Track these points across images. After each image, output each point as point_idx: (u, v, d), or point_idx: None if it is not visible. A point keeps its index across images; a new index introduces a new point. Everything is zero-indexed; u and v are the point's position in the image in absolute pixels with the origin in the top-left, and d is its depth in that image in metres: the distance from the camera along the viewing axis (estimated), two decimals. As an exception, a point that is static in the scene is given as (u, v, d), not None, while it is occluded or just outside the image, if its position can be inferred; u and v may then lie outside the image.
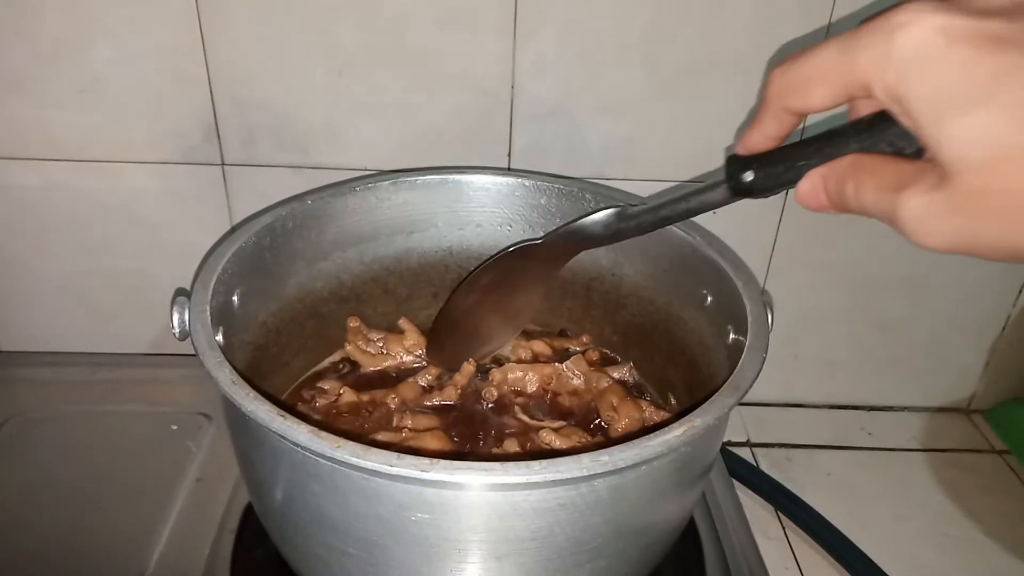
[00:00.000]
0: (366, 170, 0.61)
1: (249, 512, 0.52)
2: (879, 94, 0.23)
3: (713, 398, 0.36)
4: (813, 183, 0.28)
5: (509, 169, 0.62)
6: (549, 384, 0.53)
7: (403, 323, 0.57)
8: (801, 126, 0.32)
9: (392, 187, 0.54)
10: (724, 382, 0.37)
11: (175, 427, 0.61)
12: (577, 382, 0.54)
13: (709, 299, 0.49)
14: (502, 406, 0.52)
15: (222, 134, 0.60)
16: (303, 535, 0.39)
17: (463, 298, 0.51)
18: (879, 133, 0.26)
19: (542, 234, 0.42)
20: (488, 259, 0.48)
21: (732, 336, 0.45)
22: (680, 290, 0.52)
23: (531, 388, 0.53)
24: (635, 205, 0.38)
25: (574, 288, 0.58)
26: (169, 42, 0.56)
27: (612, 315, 0.57)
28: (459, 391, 0.52)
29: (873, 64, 0.23)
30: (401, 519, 0.34)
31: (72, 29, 0.56)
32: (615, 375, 0.55)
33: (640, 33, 0.57)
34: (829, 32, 0.57)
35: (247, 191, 0.62)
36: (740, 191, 0.31)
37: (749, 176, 0.30)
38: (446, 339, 0.53)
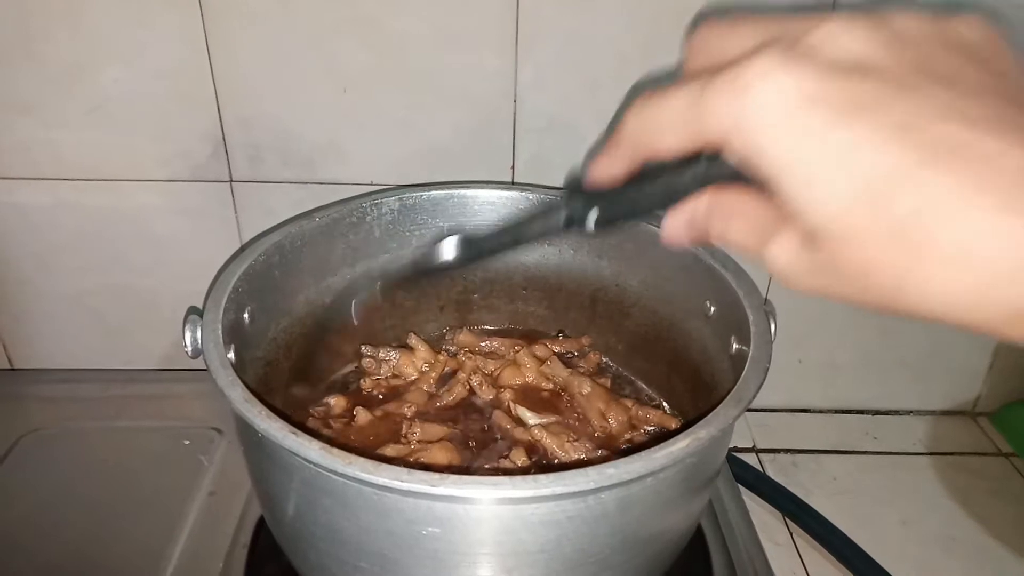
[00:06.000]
0: (372, 185, 0.62)
1: (262, 526, 0.53)
2: (733, 154, 0.22)
3: (717, 409, 0.36)
4: (675, 225, 0.27)
5: (513, 183, 0.62)
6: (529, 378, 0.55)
7: (413, 340, 0.58)
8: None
9: (398, 203, 0.54)
10: (727, 391, 0.38)
11: (187, 442, 0.61)
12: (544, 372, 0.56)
13: (712, 309, 0.49)
14: (495, 404, 0.54)
15: (230, 152, 0.61)
16: (315, 549, 0.40)
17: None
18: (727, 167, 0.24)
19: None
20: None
21: (735, 346, 0.45)
22: (683, 300, 0.52)
23: (517, 381, 0.55)
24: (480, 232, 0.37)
25: (579, 298, 0.59)
26: (176, 63, 0.57)
27: (617, 325, 0.58)
28: (465, 387, 0.54)
29: (725, 124, 0.21)
30: (412, 533, 0.35)
31: (81, 52, 0.57)
32: (588, 368, 0.57)
33: (639, 46, 0.57)
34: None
35: (255, 207, 0.63)
36: (581, 231, 0.30)
37: (591, 222, 0.29)
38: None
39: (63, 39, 0.56)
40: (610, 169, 0.28)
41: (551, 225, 0.32)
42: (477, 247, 0.37)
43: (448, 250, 0.37)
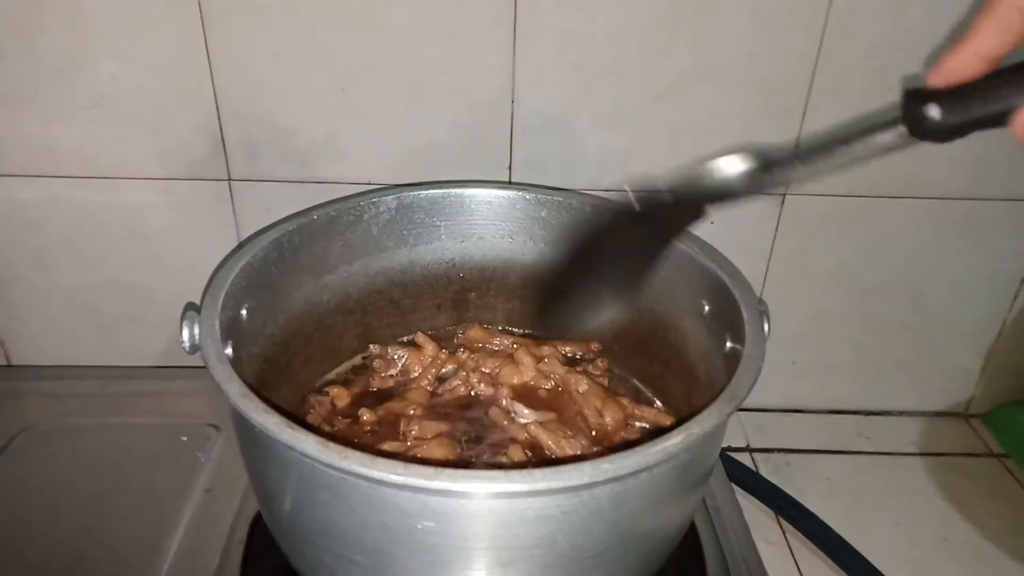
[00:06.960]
0: (369, 183, 0.62)
1: (258, 522, 0.53)
2: None
3: (711, 406, 0.36)
4: None
5: (510, 182, 0.63)
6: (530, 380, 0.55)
7: (421, 338, 0.58)
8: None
9: (395, 201, 0.55)
10: (721, 389, 0.38)
11: (184, 438, 0.61)
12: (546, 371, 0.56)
13: (707, 308, 0.50)
14: (494, 401, 0.54)
15: (228, 149, 0.61)
16: (311, 544, 0.40)
17: (569, 261, 0.45)
18: None
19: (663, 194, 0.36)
20: (600, 218, 0.42)
21: (729, 345, 0.45)
22: (678, 300, 0.53)
23: (515, 380, 0.55)
24: (778, 153, 0.33)
25: (575, 298, 0.59)
26: (174, 58, 0.57)
27: (612, 323, 0.58)
28: (466, 384, 0.54)
29: None
30: (407, 527, 0.35)
31: (76, 46, 0.57)
32: (589, 370, 0.57)
33: (636, 45, 0.58)
34: (822, 45, 0.58)
35: (252, 205, 0.63)
36: (922, 132, 0.25)
37: (934, 112, 0.25)
38: (552, 305, 0.48)
39: (59, 32, 0.56)
40: (977, 50, 0.24)
41: (883, 140, 0.27)
42: (780, 172, 0.32)
43: (738, 178, 0.32)
